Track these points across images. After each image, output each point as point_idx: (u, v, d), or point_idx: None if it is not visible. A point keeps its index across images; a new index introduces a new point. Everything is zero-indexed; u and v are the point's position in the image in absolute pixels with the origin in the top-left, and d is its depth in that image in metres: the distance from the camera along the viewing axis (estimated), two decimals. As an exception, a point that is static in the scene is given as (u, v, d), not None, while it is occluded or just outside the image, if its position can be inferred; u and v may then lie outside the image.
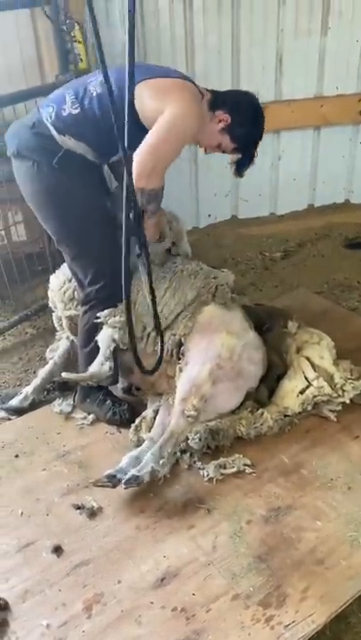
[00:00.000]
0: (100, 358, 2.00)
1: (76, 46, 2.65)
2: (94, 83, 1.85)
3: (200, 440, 1.92)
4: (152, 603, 1.50)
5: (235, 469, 1.87)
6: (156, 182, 1.80)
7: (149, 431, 1.98)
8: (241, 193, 3.38)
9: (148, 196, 1.80)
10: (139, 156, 1.72)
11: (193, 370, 1.95)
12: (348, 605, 1.47)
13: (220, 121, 1.91)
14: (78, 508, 1.78)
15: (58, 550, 1.65)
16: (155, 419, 2.02)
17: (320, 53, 3.14)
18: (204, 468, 1.88)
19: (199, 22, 2.93)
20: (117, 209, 1.85)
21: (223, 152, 2.02)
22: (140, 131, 1.77)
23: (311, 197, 3.62)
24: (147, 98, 1.77)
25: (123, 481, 1.75)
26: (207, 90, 1.97)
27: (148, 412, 2.08)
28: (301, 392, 2.04)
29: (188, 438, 1.92)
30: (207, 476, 1.86)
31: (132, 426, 2.04)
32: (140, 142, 1.77)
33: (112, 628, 1.44)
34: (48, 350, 2.42)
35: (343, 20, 3.08)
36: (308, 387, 2.04)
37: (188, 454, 1.93)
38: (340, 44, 3.15)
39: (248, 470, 1.86)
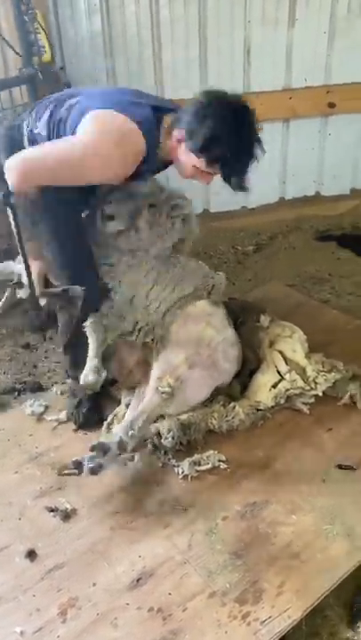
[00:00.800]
0: (91, 366, 1.90)
1: (39, 38, 2.58)
2: (63, 106, 1.79)
3: (173, 438, 1.91)
4: (128, 604, 1.48)
5: (209, 466, 1.86)
6: (16, 184, 1.65)
7: None
8: (212, 186, 3.34)
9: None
10: (23, 152, 1.68)
11: (171, 353, 1.97)
12: (324, 598, 1.48)
13: (179, 142, 1.73)
14: (52, 510, 1.75)
15: (31, 555, 1.62)
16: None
17: (288, 45, 3.12)
18: (178, 466, 1.87)
19: (165, 12, 2.89)
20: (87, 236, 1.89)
21: (208, 173, 1.79)
22: None
23: (282, 190, 3.62)
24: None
25: (86, 467, 1.74)
26: (175, 111, 1.78)
27: (121, 408, 2.07)
28: (274, 386, 2.04)
29: (160, 436, 1.91)
30: (182, 473, 1.85)
31: (105, 423, 2.02)
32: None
33: (88, 632, 1.42)
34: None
35: (310, 11, 3.08)
36: (280, 380, 2.04)
37: (162, 452, 1.91)
38: (308, 35, 3.14)
39: (223, 466, 1.86)
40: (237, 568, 1.55)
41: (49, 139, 1.79)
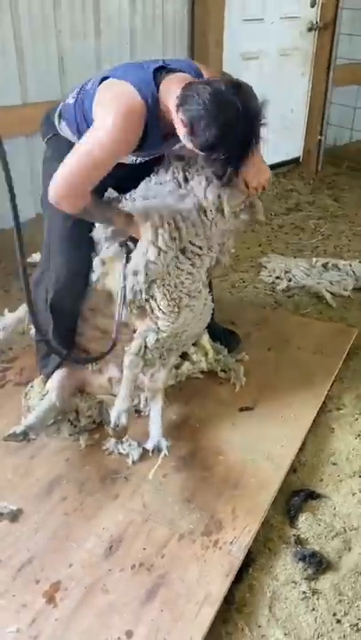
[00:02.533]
0: (125, 407, 1.86)
1: None
2: (92, 79, 1.78)
3: (90, 417, 2.03)
4: (110, 570, 1.56)
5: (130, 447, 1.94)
6: (72, 209, 1.72)
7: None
8: (41, 190, 3.40)
9: (77, 216, 1.77)
10: (54, 181, 1.68)
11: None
12: (268, 512, 1.75)
13: (182, 124, 1.63)
14: (-4, 516, 1.71)
15: (-7, 561, 1.58)
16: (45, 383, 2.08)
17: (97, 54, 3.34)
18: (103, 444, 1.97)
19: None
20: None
21: None
22: None
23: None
24: (94, 104, 1.72)
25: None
26: (186, 83, 1.65)
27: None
28: (177, 367, 2.22)
29: (78, 414, 2.02)
30: (108, 450, 1.95)
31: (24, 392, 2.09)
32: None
33: (83, 605, 1.47)
34: None
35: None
36: (183, 363, 2.24)
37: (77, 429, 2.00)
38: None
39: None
40: (193, 510, 1.74)
41: (75, 107, 1.79)
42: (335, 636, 1.46)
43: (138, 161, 1.90)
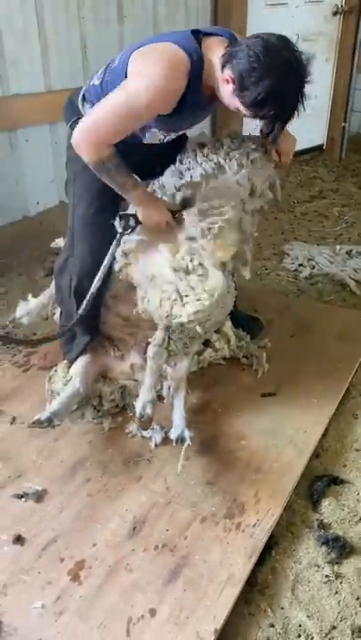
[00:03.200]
0: (149, 398, 1.88)
1: None
2: (122, 54, 1.73)
3: (113, 401, 2.05)
4: (134, 550, 1.57)
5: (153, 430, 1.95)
6: (90, 154, 1.64)
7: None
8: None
9: (92, 168, 1.69)
10: (81, 122, 1.63)
11: None
12: (290, 496, 1.75)
13: (227, 82, 1.59)
14: (21, 497, 1.73)
15: (19, 539, 1.60)
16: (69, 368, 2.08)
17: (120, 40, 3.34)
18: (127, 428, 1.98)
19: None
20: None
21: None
22: None
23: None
24: (130, 65, 1.65)
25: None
26: (230, 40, 1.65)
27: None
28: (199, 354, 2.22)
29: (101, 398, 2.04)
30: (131, 433, 1.97)
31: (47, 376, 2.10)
32: (151, 124, 1.73)
33: (107, 583, 1.49)
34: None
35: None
36: (205, 349, 2.24)
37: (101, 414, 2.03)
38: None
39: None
40: (215, 493, 1.74)
41: (101, 87, 1.75)
42: (358, 619, 1.46)
43: (166, 139, 1.87)
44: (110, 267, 1.90)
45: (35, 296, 2.35)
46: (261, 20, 3.96)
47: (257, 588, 1.53)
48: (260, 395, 2.14)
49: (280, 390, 2.16)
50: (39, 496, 1.73)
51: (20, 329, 2.49)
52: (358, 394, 2.21)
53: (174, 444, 1.84)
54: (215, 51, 1.62)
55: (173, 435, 1.87)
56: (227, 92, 1.62)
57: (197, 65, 1.62)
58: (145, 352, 1.97)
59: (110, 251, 1.85)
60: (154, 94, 1.58)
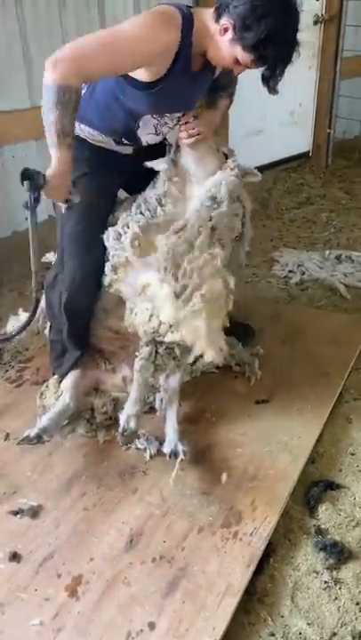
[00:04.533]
0: (135, 411, 1.87)
1: None
2: None
3: (106, 414, 2.04)
4: (131, 563, 1.56)
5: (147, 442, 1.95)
6: (59, 74, 1.52)
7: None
8: (53, 193, 3.43)
9: (50, 94, 1.55)
10: (63, 47, 1.56)
11: None
12: (287, 503, 1.74)
13: (225, 30, 1.57)
14: (17, 513, 1.71)
15: (15, 557, 1.58)
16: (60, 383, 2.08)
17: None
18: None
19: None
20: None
21: (249, 67, 1.64)
22: (136, 89, 1.67)
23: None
24: None
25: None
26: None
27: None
28: (192, 364, 2.18)
29: (93, 411, 2.04)
30: (122, 444, 1.95)
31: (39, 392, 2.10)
32: (143, 105, 1.70)
33: (105, 598, 1.48)
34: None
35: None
36: (198, 359, 2.22)
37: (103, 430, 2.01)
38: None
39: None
40: (212, 503, 1.73)
41: (88, 94, 1.77)
42: (359, 624, 1.45)
43: (159, 136, 1.88)
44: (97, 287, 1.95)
45: (26, 311, 2.34)
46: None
47: (256, 597, 1.52)
48: (253, 402, 2.14)
49: (273, 397, 2.16)
50: (35, 512, 1.72)
51: (12, 343, 2.48)
52: (352, 398, 2.21)
53: (168, 457, 1.83)
54: (205, 14, 1.63)
55: (167, 449, 1.86)
56: (224, 43, 1.59)
57: (188, 22, 1.60)
58: None
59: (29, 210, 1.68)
60: (139, 40, 1.55)
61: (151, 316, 1.83)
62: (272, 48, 1.55)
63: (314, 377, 2.25)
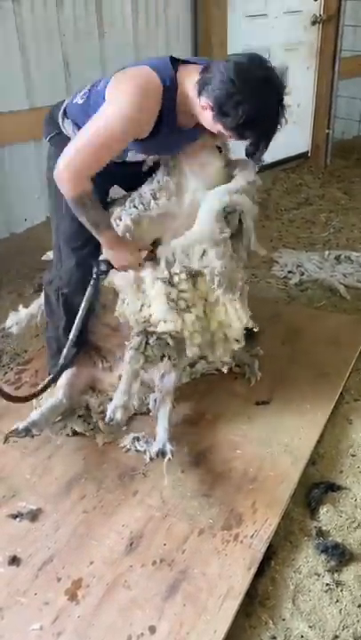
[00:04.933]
0: (123, 402, 1.86)
1: None
2: (103, 79, 1.78)
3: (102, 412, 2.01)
4: (131, 566, 1.55)
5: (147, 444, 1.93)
6: (71, 188, 1.66)
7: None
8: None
9: (71, 204, 1.71)
10: (62, 156, 1.66)
11: None
12: (288, 504, 1.73)
13: (205, 109, 1.61)
14: (16, 516, 1.71)
15: (15, 560, 1.58)
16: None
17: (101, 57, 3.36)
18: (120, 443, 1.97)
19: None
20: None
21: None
22: None
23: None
24: (107, 89, 1.69)
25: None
26: (203, 67, 1.64)
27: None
28: (192, 365, 2.21)
29: (89, 410, 2.03)
30: (125, 447, 1.95)
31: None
32: (131, 145, 1.75)
33: (105, 602, 1.47)
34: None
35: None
36: (198, 361, 2.20)
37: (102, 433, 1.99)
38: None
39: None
40: (212, 505, 1.73)
41: (83, 107, 1.78)
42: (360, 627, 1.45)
43: (149, 159, 1.91)
44: (97, 280, 1.92)
45: (26, 307, 2.35)
46: (242, 32, 4.00)
47: (257, 600, 1.51)
48: (253, 403, 2.13)
49: (274, 398, 2.15)
50: (34, 515, 1.71)
51: (10, 339, 2.47)
52: (352, 399, 2.21)
53: (155, 457, 1.81)
54: (191, 78, 1.64)
55: (154, 447, 1.84)
56: (207, 118, 1.63)
57: (171, 91, 1.64)
58: None
59: (86, 295, 1.91)
60: (126, 124, 1.61)
61: (142, 305, 1.84)
62: (252, 130, 1.59)
63: (314, 378, 2.24)
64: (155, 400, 2.03)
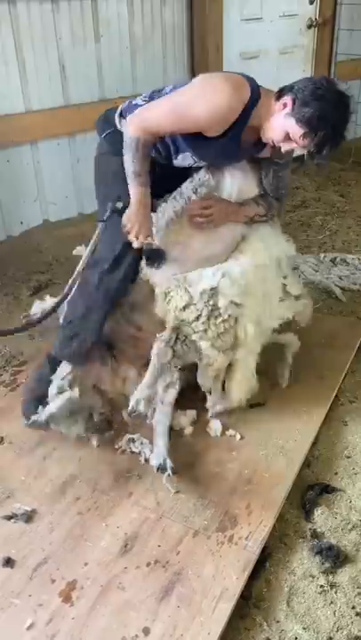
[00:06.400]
0: (146, 394, 1.91)
1: None
2: (167, 87, 1.93)
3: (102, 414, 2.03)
4: (126, 568, 1.55)
5: (143, 447, 1.93)
6: (133, 131, 1.81)
7: None
8: (48, 197, 3.43)
9: (127, 144, 1.83)
10: (139, 109, 1.84)
11: None
12: (283, 506, 1.73)
13: (284, 106, 1.74)
14: (10, 518, 1.70)
15: (9, 562, 1.57)
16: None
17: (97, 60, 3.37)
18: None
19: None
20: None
21: (296, 143, 1.77)
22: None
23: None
24: (195, 80, 1.82)
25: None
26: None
27: None
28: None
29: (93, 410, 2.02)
30: (120, 448, 1.95)
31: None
32: (186, 144, 1.89)
33: (99, 604, 1.46)
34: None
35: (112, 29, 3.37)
36: None
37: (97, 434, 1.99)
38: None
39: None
40: (207, 507, 1.73)
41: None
42: (355, 629, 1.44)
43: (197, 165, 1.98)
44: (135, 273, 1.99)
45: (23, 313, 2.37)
46: (238, 36, 4.02)
47: (252, 602, 1.51)
48: (248, 405, 2.13)
49: (269, 400, 2.15)
50: (28, 517, 1.71)
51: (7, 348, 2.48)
52: (347, 400, 2.21)
53: (156, 471, 1.80)
54: (268, 96, 1.80)
55: (155, 461, 1.82)
56: (280, 117, 1.75)
57: (253, 101, 1.77)
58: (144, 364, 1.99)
59: (95, 235, 1.99)
60: (209, 110, 1.74)
61: (187, 305, 1.90)
62: (323, 126, 1.70)
63: (309, 379, 2.24)
64: (153, 409, 2.00)
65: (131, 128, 1.82)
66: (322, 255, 3.34)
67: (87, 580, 1.52)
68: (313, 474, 1.90)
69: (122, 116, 1.98)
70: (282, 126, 1.75)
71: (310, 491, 1.81)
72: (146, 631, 1.40)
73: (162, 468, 1.80)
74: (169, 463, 1.81)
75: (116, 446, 1.95)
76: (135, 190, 1.86)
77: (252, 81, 1.79)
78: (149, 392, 1.89)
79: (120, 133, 1.94)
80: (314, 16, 4.43)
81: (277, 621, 1.46)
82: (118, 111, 2.00)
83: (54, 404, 1.93)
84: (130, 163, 1.84)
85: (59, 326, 2.10)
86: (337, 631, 1.44)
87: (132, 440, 1.96)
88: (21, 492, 1.80)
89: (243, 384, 2.02)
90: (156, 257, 1.92)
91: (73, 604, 1.47)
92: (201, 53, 3.86)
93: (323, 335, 2.53)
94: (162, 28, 3.67)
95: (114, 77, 3.48)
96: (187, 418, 2.05)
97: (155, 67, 3.67)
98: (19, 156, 3.21)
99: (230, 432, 2.00)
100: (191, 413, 2.06)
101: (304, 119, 1.69)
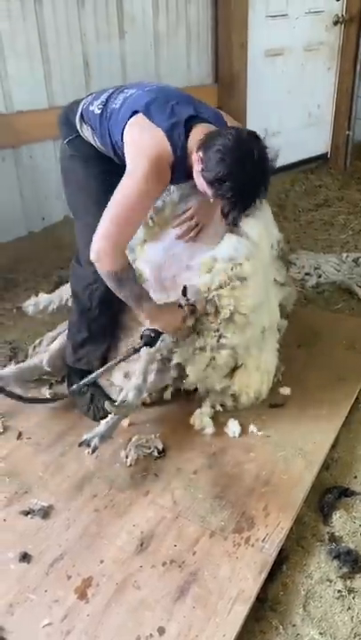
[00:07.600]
0: (135, 384, 1.93)
1: None
2: (121, 95, 1.84)
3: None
4: (141, 566, 1.55)
5: (150, 450, 1.92)
6: (111, 264, 1.72)
7: None
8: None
9: (112, 282, 1.76)
10: (94, 238, 1.71)
11: None
12: (300, 509, 1.71)
13: (197, 161, 1.70)
14: (28, 513, 1.71)
15: (25, 557, 1.58)
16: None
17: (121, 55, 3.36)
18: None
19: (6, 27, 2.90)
20: None
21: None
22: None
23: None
24: (126, 144, 1.77)
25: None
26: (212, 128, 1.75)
27: None
28: None
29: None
30: (127, 458, 1.90)
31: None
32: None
33: (114, 602, 1.46)
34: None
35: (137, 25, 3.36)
36: None
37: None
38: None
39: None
40: (224, 507, 1.71)
41: (100, 119, 1.83)
42: (373, 636, 1.42)
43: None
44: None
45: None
46: (263, 33, 3.98)
47: (268, 605, 1.49)
48: (268, 405, 2.11)
49: (288, 401, 2.13)
50: (45, 512, 1.71)
51: (27, 344, 2.49)
52: (368, 403, 2.18)
53: (78, 445, 1.82)
54: (201, 127, 1.73)
55: (85, 435, 1.83)
56: (196, 172, 1.72)
57: (181, 158, 1.73)
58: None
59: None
60: (144, 197, 1.72)
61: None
62: (228, 189, 1.64)
63: (330, 381, 2.22)
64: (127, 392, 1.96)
65: (109, 261, 1.71)
66: (344, 255, 3.30)
67: (103, 577, 1.52)
68: (332, 477, 1.87)
69: (82, 120, 1.90)
70: (199, 182, 1.73)
71: (329, 494, 1.78)
72: (161, 631, 1.39)
73: (87, 444, 1.80)
74: (95, 442, 1.80)
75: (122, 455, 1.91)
76: (147, 312, 1.83)
77: (175, 139, 1.70)
78: (140, 382, 1.92)
79: (82, 139, 1.92)
80: (340, 12, 4.36)
81: (293, 625, 1.45)
82: (78, 115, 1.91)
83: (103, 425, 1.87)
84: (127, 298, 1.80)
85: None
86: (354, 637, 1.42)
87: (140, 446, 1.93)
88: (39, 487, 1.80)
89: (251, 379, 2.04)
90: (155, 341, 1.89)
91: (88, 600, 1.47)
92: (225, 50, 3.83)
93: (343, 337, 2.50)
94: (186, 25, 3.65)
95: (137, 74, 3.46)
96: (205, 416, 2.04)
97: (178, 63, 3.65)
98: (41, 152, 3.22)
99: (252, 427, 2.00)
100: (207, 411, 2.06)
101: (208, 179, 1.66)
